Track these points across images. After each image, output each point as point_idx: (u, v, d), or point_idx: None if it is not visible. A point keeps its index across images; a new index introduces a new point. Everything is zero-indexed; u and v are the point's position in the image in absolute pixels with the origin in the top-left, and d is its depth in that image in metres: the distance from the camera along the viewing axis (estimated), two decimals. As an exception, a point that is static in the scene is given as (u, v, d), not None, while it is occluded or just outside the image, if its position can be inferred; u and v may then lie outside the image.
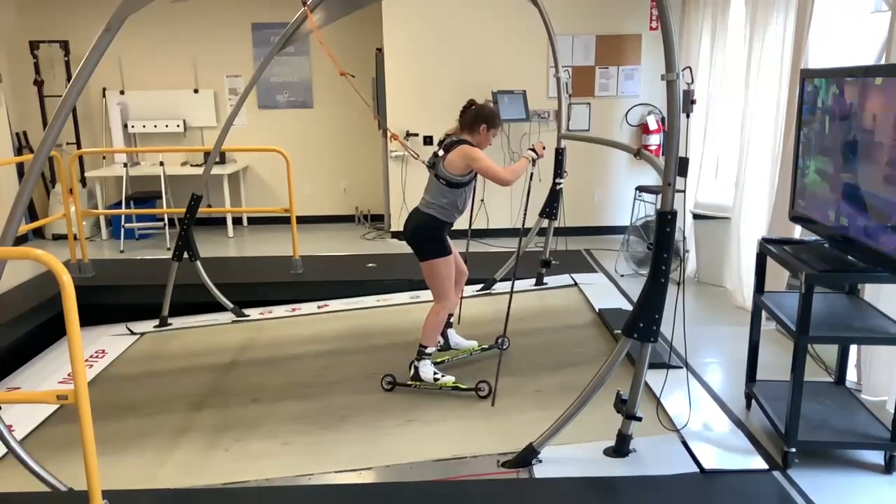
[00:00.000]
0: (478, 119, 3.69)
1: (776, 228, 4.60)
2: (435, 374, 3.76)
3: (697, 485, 2.85)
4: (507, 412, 3.54)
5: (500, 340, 4.22)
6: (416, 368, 3.77)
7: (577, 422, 2.95)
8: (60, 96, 2.93)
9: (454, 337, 4.24)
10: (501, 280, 5.37)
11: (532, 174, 3.85)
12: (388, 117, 7.16)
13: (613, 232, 7.44)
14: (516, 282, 5.38)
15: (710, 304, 5.38)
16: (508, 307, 3.85)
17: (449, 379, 3.77)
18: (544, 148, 3.87)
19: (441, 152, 3.70)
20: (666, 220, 2.77)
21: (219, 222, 8.28)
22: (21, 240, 7.31)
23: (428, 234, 3.73)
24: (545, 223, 5.24)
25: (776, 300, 3.44)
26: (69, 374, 3.99)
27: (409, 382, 3.79)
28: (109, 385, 4.19)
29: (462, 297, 4.26)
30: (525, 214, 4.20)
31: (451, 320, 4.22)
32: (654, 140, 7.29)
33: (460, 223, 3.95)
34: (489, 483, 2.92)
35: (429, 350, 3.78)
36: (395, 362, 4.05)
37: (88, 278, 5.49)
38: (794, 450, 3.03)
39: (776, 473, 2.94)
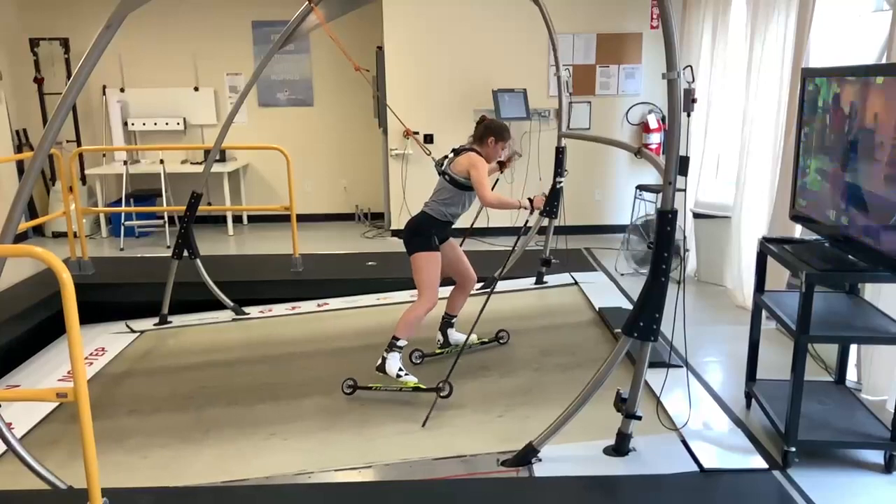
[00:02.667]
0: (487, 132, 3.91)
1: (776, 227, 4.60)
2: (399, 370, 3.72)
3: (697, 484, 2.84)
4: (506, 410, 3.53)
5: (499, 334, 4.38)
6: (384, 359, 3.74)
7: (576, 420, 2.94)
8: (60, 94, 2.93)
9: (454, 335, 4.27)
10: (502, 279, 5.36)
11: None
12: (388, 115, 7.14)
13: (614, 231, 7.44)
14: (516, 281, 5.43)
15: (711, 304, 5.37)
16: (483, 306, 3.90)
17: (411, 379, 3.72)
18: (545, 200, 3.97)
19: (451, 155, 3.92)
20: (666, 218, 2.77)
21: (219, 220, 8.28)
22: (21, 237, 7.31)
23: (419, 229, 3.87)
24: (545, 222, 5.24)
25: (776, 299, 3.44)
26: (69, 372, 3.99)
27: (371, 385, 3.75)
28: (109, 383, 4.19)
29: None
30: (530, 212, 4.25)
31: (453, 321, 4.26)
32: (655, 139, 7.29)
33: (463, 222, 3.99)
34: (489, 482, 2.92)
35: (400, 343, 3.74)
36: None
37: (88, 276, 5.48)
38: (793, 449, 3.03)
39: (776, 473, 2.95)
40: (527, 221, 4.32)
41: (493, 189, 3.85)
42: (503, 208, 3.88)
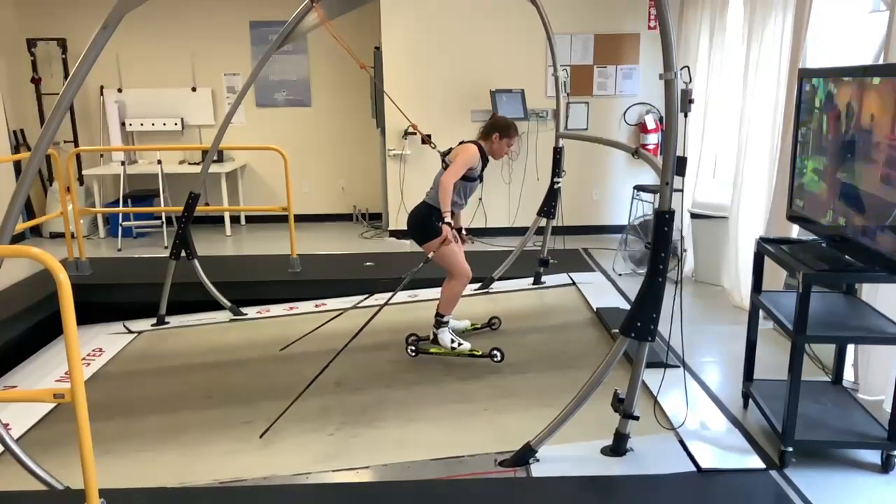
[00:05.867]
0: (493, 128, 4.08)
1: (774, 228, 4.61)
2: (452, 340, 4.08)
3: (694, 484, 2.85)
4: (504, 411, 3.54)
5: (493, 321, 4.58)
6: (436, 335, 4.10)
7: (574, 421, 2.95)
8: (58, 94, 2.92)
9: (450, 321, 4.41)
10: (500, 279, 5.37)
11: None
12: (385, 115, 7.15)
13: (611, 231, 7.45)
14: (514, 281, 5.43)
15: (708, 304, 5.38)
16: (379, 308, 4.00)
17: (466, 346, 4.07)
18: (454, 239, 3.93)
19: (456, 146, 4.11)
20: (664, 219, 2.77)
21: (217, 221, 8.27)
22: (18, 238, 7.30)
23: (420, 220, 4.03)
24: (543, 222, 5.24)
25: (774, 299, 3.44)
26: (66, 373, 3.98)
27: (431, 350, 4.12)
28: (106, 384, 4.18)
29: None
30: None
31: None
32: (653, 139, 7.30)
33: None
34: (487, 482, 2.92)
35: (445, 318, 4.10)
36: (394, 357, 4.11)
37: (86, 277, 5.47)
38: (791, 449, 3.04)
39: (773, 473, 2.95)
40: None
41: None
42: (440, 195, 3.84)
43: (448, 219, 3.87)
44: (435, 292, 4.30)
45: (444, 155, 4.11)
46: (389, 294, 4.01)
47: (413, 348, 4.15)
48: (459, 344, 4.09)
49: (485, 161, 4.09)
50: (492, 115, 4.26)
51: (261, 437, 3.32)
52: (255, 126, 8.27)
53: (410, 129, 7.16)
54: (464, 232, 4.35)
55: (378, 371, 4.05)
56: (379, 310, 3.85)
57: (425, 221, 4.00)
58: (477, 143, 4.06)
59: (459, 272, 4.07)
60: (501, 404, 3.60)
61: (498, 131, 4.03)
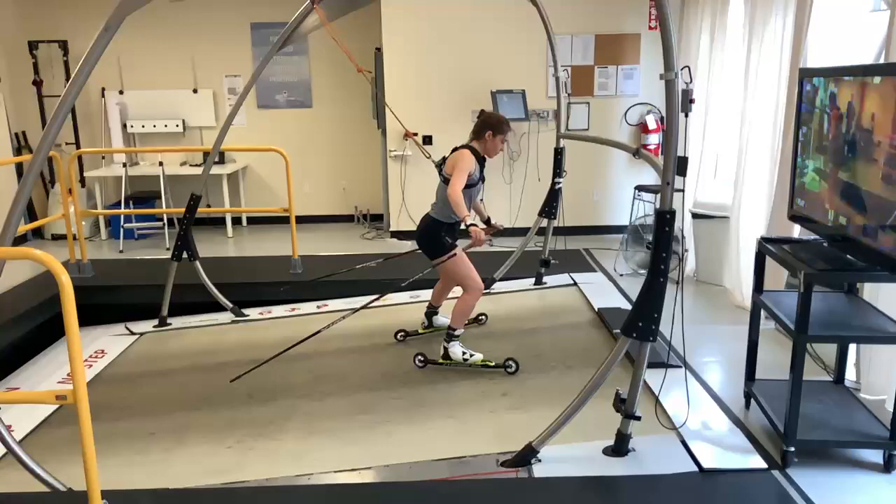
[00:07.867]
0: (483, 126, 3.96)
1: (775, 227, 4.61)
2: (464, 353, 3.99)
3: (696, 484, 2.85)
4: (506, 411, 3.54)
5: (480, 317, 4.62)
6: (446, 349, 4.00)
7: (576, 421, 2.95)
8: (59, 96, 2.93)
9: (438, 319, 4.47)
10: (501, 279, 5.37)
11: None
12: (387, 116, 7.15)
13: (613, 231, 7.45)
14: (515, 281, 5.43)
15: (709, 304, 5.38)
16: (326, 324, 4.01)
17: (478, 357, 3.98)
18: (485, 238, 3.82)
19: (450, 154, 3.99)
20: (665, 219, 2.77)
21: (218, 222, 8.28)
22: (20, 240, 7.31)
23: (429, 234, 3.99)
24: (544, 222, 5.24)
25: (775, 299, 3.44)
26: (68, 375, 3.97)
27: (440, 361, 4.02)
28: (109, 385, 4.19)
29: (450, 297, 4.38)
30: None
31: (437, 310, 4.49)
32: (653, 139, 7.30)
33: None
34: (489, 482, 2.93)
35: (457, 332, 4.01)
36: (399, 359, 4.13)
37: (88, 278, 5.48)
38: (793, 449, 3.04)
39: (775, 472, 2.95)
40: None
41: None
42: (455, 208, 3.79)
43: (470, 220, 3.75)
44: (426, 293, 4.27)
45: (438, 165, 4.02)
46: (370, 298, 4.02)
47: (422, 357, 4.05)
48: (471, 355, 3.99)
49: (481, 162, 4.02)
50: (480, 111, 4.12)
51: (231, 381, 3.57)
52: (257, 127, 8.27)
53: (411, 132, 7.18)
54: (493, 220, 4.18)
55: (291, 382, 4.02)
56: (351, 312, 3.89)
57: (434, 236, 3.96)
58: (469, 146, 3.96)
59: (470, 283, 4.00)
60: (503, 404, 3.60)
61: (490, 129, 3.92)
